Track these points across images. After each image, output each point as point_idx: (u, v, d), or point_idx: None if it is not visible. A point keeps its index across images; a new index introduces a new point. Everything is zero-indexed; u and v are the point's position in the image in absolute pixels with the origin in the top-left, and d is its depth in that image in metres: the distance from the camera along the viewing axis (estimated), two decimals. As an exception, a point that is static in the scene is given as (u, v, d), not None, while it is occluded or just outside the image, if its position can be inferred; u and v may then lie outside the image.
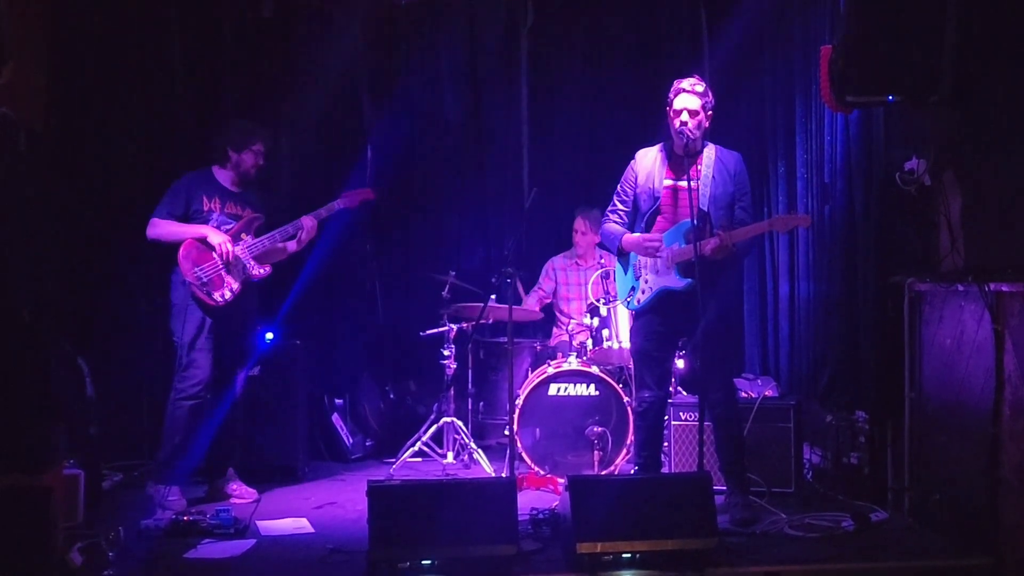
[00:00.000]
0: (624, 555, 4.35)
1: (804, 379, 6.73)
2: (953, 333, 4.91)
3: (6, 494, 4.15)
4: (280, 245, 5.92)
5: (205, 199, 5.77)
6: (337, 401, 7.26)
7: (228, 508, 5.21)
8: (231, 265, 5.69)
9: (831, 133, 6.28)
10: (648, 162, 5.39)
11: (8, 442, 4.42)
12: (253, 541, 4.93)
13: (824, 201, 6.41)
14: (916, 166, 5.24)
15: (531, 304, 7.35)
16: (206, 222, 5.73)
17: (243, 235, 5.79)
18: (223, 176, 5.88)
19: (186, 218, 5.71)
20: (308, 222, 5.92)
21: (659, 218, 5.32)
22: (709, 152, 5.30)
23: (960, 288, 4.80)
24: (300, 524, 5.28)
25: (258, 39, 7.32)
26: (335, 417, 7.15)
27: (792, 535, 4.91)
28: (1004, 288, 4.47)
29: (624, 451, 6.13)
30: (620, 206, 5.48)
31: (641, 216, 5.39)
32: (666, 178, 5.32)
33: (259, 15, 7.25)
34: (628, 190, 5.44)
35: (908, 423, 5.28)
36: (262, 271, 5.82)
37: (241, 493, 5.85)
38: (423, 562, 4.29)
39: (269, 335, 6.44)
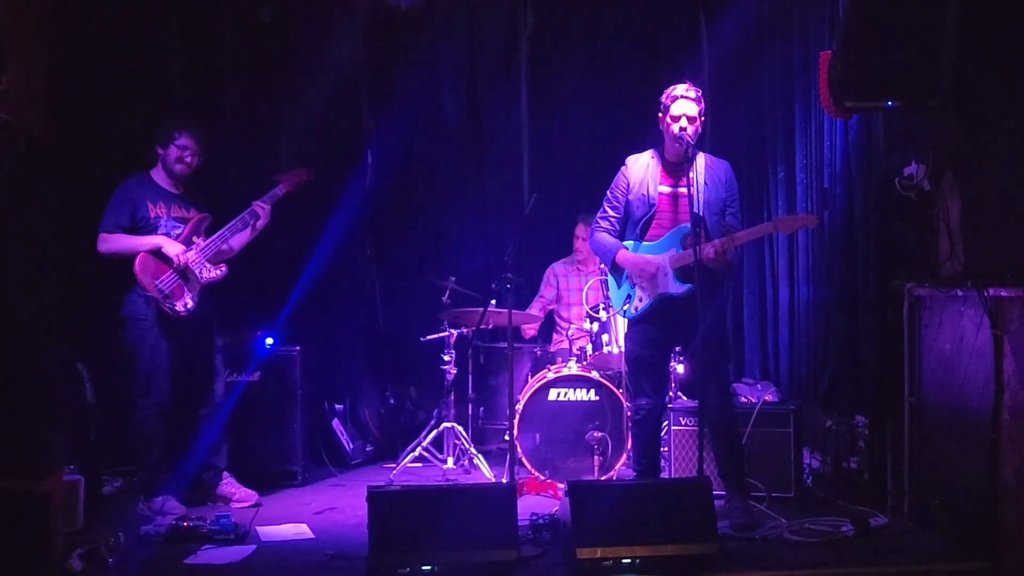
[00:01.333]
0: (624, 560, 4.35)
1: (804, 384, 6.73)
2: (953, 338, 4.91)
3: (5, 499, 4.14)
4: (229, 243, 5.84)
5: (150, 205, 5.67)
6: (337, 406, 7.25)
7: (228, 514, 5.20)
8: (186, 272, 5.61)
9: (830, 138, 6.28)
10: (640, 168, 5.38)
11: (7, 447, 4.41)
12: (253, 547, 4.93)
13: (824, 206, 6.41)
14: (915, 171, 5.24)
15: (537, 307, 7.35)
16: (155, 229, 5.65)
17: (194, 238, 5.72)
18: (161, 179, 5.79)
19: (134, 228, 5.62)
20: (263, 207, 5.84)
21: (654, 224, 5.31)
22: (700, 159, 5.30)
23: (959, 293, 4.80)
24: (300, 530, 5.27)
25: (258, 43, 7.32)
26: (335, 422, 7.14)
27: (792, 540, 4.91)
28: (1003, 293, 4.47)
29: (624, 456, 6.13)
30: (611, 213, 5.46)
31: (635, 223, 5.36)
32: (662, 184, 5.32)
33: (259, 19, 7.26)
34: (619, 197, 5.42)
35: (908, 428, 5.28)
36: (217, 273, 5.73)
37: (241, 495, 5.84)
38: (423, 567, 4.29)
39: (269, 340, 6.44)
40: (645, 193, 5.30)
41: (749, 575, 4.42)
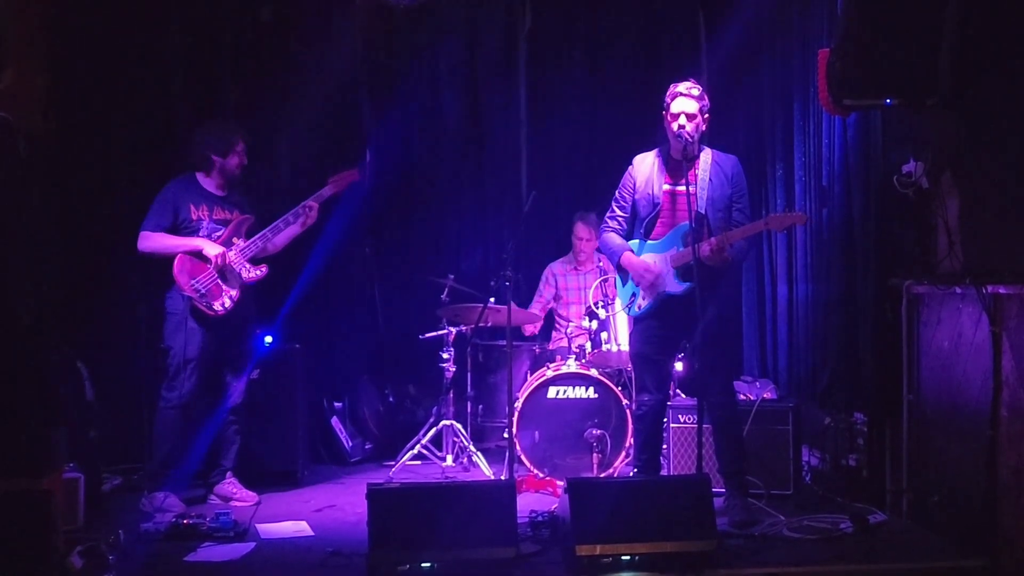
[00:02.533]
0: (623, 557, 4.36)
1: (803, 381, 6.73)
2: (951, 335, 4.92)
3: (6, 497, 4.16)
4: (273, 242, 5.90)
5: (192, 208, 5.74)
6: (336, 404, 7.25)
7: (228, 511, 5.21)
8: (226, 273, 5.69)
9: (829, 136, 6.28)
10: (646, 167, 5.40)
11: (8, 445, 4.43)
12: (253, 544, 4.94)
13: (822, 204, 6.41)
14: (914, 169, 5.25)
15: (536, 307, 7.35)
16: (196, 231, 5.72)
17: (235, 239, 5.79)
18: (208, 183, 5.85)
19: (175, 229, 5.70)
20: (313, 204, 5.90)
21: (658, 222, 5.34)
22: (706, 156, 5.31)
23: (958, 290, 4.81)
24: (300, 527, 5.28)
25: (257, 43, 7.32)
26: (334, 420, 7.14)
27: (791, 537, 4.91)
28: (1002, 290, 4.48)
29: (623, 453, 6.13)
30: (619, 212, 5.49)
31: (640, 221, 5.40)
32: (665, 183, 5.33)
33: (258, 19, 7.26)
34: (627, 196, 5.45)
35: (906, 425, 5.29)
36: (258, 273, 5.82)
37: (241, 496, 5.84)
38: (423, 565, 4.30)
39: (268, 339, 6.43)
40: (650, 192, 5.32)
41: (748, 572, 4.43)
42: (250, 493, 5.88)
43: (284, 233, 5.92)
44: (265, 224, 5.88)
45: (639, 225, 5.42)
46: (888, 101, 4.84)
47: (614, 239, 5.48)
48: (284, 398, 6.47)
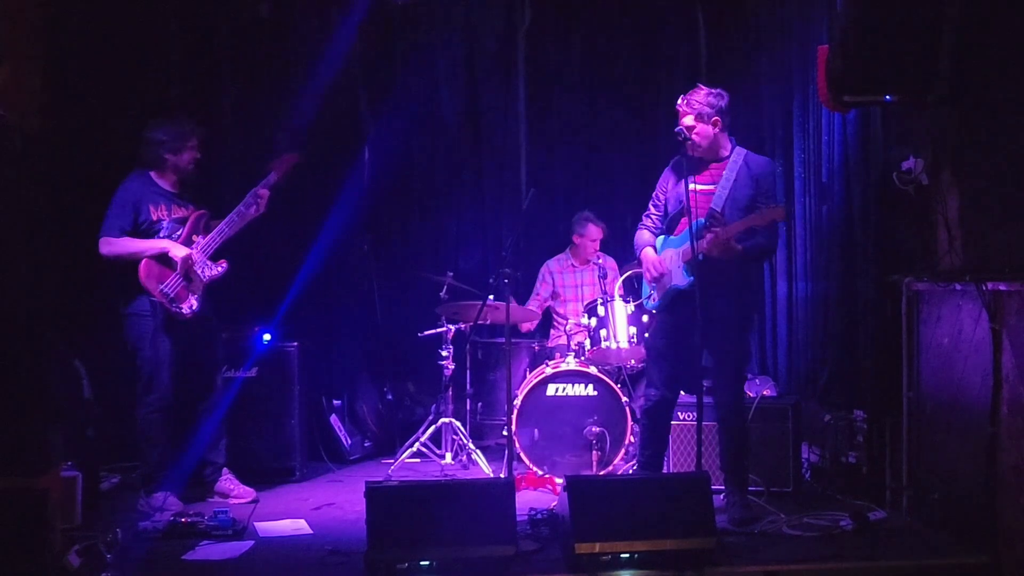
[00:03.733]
0: (623, 555, 4.35)
1: (802, 378, 6.72)
2: (951, 332, 4.91)
3: (3, 496, 4.15)
4: (232, 232, 5.82)
5: (152, 208, 5.66)
6: (335, 402, 7.25)
7: (226, 509, 5.20)
8: (189, 272, 5.62)
9: (829, 133, 6.28)
10: (678, 167, 5.48)
11: (5, 444, 4.42)
12: (251, 542, 4.93)
13: (822, 201, 6.41)
14: (914, 165, 5.24)
15: (534, 304, 7.34)
16: (157, 232, 5.64)
17: (194, 236, 5.72)
18: (163, 181, 5.76)
19: (136, 231, 5.61)
20: (263, 192, 5.81)
21: (682, 220, 5.37)
22: (737, 156, 5.36)
23: (958, 287, 4.80)
24: (298, 525, 5.28)
25: (255, 40, 7.31)
26: (333, 418, 7.14)
27: (791, 534, 4.92)
28: (1002, 287, 4.47)
29: (622, 451, 6.13)
30: (653, 211, 5.60)
31: (668, 218, 5.50)
32: (692, 182, 5.37)
33: (256, 15, 7.25)
34: (661, 196, 5.55)
35: (906, 422, 5.29)
36: (218, 270, 5.75)
37: (239, 493, 5.84)
38: (421, 563, 4.29)
39: (267, 336, 6.43)
40: (679, 191, 5.37)
41: (748, 570, 4.42)
42: (247, 489, 5.88)
43: (239, 223, 5.83)
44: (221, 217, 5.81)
45: (668, 222, 5.51)
46: (888, 98, 4.84)
47: (642, 236, 5.60)
48: (282, 396, 6.47)
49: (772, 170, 5.52)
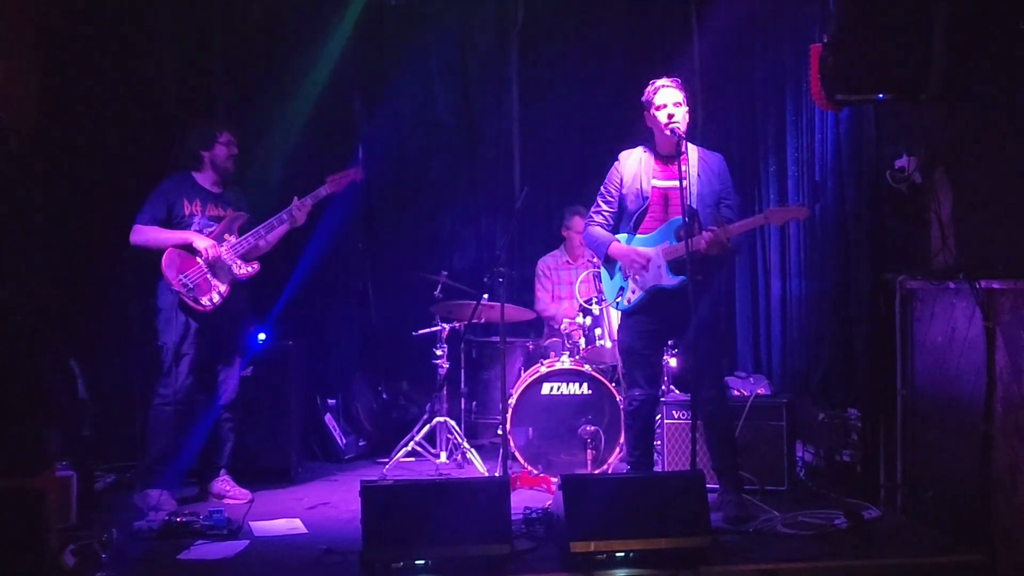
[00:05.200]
0: (618, 554, 4.36)
1: (796, 377, 6.73)
2: (945, 330, 4.92)
3: (-1, 496, 4.15)
4: (266, 239, 5.88)
5: (186, 203, 5.76)
6: (330, 401, 7.24)
7: (221, 509, 5.20)
8: (216, 268, 5.68)
9: (822, 131, 6.28)
10: (633, 163, 5.39)
11: (1, 444, 4.42)
12: (246, 542, 4.93)
13: (815, 199, 6.41)
14: (907, 164, 5.25)
15: (547, 303, 7.30)
16: (188, 226, 5.72)
17: (226, 235, 5.78)
18: (203, 179, 5.87)
19: (168, 223, 5.70)
20: (302, 206, 5.87)
21: (647, 217, 5.32)
22: (692, 152, 5.32)
23: (951, 285, 4.81)
24: (293, 525, 5.27)
25: (249, 40, 7.30)
26: (328, 417, 7.13)
27: (785, 533, 4.92)
28: (995, 285, 4.48)
29: (617, 450, 6.13)
30: (605, 207, 5.47)
31: (628, 216, 5.38)
32: (654, 178, 5.33)
33: (249, 16, 7.24)
34: (613, 191, 5.43)
35: (900, 420, 5.30)
36: (249, 269, 5.81)
37: (234, 494, 5.83)
38: (417, 562, 4.30)
39: (261, 335, 6.43)
40: (639, 187, 5.31)
41: (742, 568, 4.43)
42: (243, 491, 5.87)
43: (277, 231, 5.90)
44: (260, 222, 5.86)
45: (627, 220, 5.40)
46: (881, 96, 4.84)
47: (600, 232, 5.46)
48: (277, 395, 6.46)
49: (727, 166, 5.44)
